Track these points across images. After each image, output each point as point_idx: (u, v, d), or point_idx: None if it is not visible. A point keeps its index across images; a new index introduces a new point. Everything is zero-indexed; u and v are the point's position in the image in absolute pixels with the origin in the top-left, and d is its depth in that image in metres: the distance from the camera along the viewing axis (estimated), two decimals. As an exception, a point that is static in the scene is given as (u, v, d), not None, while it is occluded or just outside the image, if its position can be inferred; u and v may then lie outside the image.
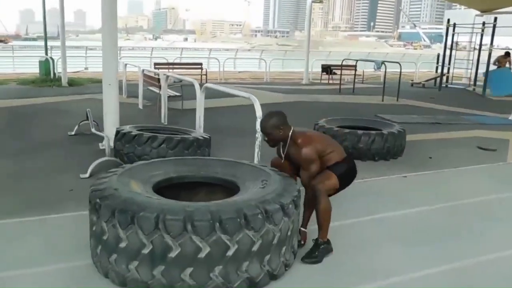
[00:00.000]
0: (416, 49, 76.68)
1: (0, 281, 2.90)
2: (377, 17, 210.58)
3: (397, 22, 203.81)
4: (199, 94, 6.34)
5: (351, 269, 3.22)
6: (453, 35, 15.20)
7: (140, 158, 4.85)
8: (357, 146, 5.91)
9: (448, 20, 14.95)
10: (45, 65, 14.59)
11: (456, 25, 14.96)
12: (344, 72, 16.25)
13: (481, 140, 7.51)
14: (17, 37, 79.22)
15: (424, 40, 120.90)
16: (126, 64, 11.55)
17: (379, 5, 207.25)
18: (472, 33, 16.07)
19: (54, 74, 14.59)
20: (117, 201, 2.75)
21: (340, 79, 14.81)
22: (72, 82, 13.75)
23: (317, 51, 34.35)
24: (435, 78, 16.00)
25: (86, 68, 18.43)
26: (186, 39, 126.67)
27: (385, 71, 12.40)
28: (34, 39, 62.70)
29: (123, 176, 3.20)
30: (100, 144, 6.41)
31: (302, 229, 3.48)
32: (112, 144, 5.59)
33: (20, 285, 2.87)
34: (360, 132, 5.95)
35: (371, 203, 4.51)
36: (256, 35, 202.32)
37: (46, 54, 15.12)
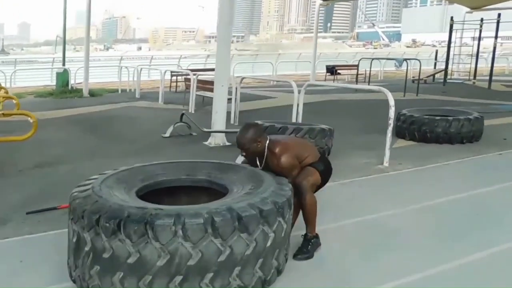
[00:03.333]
0: (376, 48, 79.67)
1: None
2: (333, 18, 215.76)
3: (354, 22, 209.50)
4: (297, 92, 6.93)
5: None
6: (450, 32, 16.31)
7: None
8: (448, 131, 6.65)
9: (452, 18, 16.05)
10: (63, 76, 14.58)
11: (454, 22, 16.07)
12: (345, 72, 17.20)
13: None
14: None
15: (383, 39, 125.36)
16: (165, 71, 11.87)
17: (335, 6, 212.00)
18: (463, 29, 17.31)
19: (71, 85, 14.66)
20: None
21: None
22: (92, 93, 13.83)
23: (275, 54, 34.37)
24: (433, 74, 17.11)
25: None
26: (140, 48, 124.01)
27: (407, 68, 13.28)
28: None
29: None
30: (206, 142, 6.85)
31: None
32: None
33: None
34: (450, 118, 6.70)
35: (497, 174, 5.26)
36: (210, 41, 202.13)
37: (63, 65, 15.13)
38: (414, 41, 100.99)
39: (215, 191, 3.28)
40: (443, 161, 5.80)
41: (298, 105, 6.85)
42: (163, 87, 12.00)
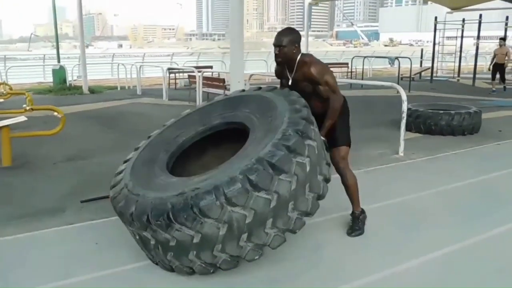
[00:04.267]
0: (356, 46, 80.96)
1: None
2: (313, 17, 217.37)
3: (333, 21, 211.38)
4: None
5: None
6: (434, 31, 16.96)
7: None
8: (451, 124, 7.18)
9: (436, 18, 16.68)
10: (59, 73, 14.66)
11: (438, 22, 16.72)
12: (336, 69, 17.70)
13: (517, 118, 9.07)
14: None
15: (363, 38, 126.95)
16: (168, 69, 12.14)
17: (314, 5, 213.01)
18: (444, 29, 17.98)
19: (69, 82, 14.77)
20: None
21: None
22: (91, 90, 13.95)
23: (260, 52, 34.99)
24: (420, 72, 17.74)
25: (79, 77, 18.53)
26: (120, 46, 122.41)
27: (399, 66, 13.82)
28: None
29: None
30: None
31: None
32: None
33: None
34: (453, 112, 7.22)
35: (501, 162, 5.79)
36: (190, 39, 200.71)
37: (58, 61, 15.20)
38: (391, 40, 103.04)
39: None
40: (451, 151, 6.31)
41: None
42: (164, 84, 12.28)
